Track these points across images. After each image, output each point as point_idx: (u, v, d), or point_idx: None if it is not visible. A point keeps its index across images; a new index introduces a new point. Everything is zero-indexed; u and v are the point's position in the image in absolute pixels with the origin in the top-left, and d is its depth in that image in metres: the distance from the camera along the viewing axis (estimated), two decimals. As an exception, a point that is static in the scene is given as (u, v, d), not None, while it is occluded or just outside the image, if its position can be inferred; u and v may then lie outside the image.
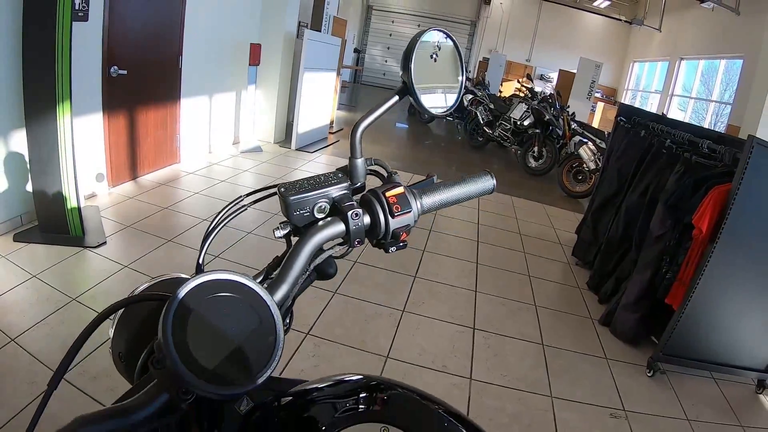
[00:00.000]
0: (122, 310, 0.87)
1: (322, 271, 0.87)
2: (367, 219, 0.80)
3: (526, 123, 9.17)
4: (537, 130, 8.97)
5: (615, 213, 4.57)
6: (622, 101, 16.57)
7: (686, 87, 14.22)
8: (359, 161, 0.86)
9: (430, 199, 0.87)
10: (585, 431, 2.77)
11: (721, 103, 12.47)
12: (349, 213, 0.77)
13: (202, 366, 0.59)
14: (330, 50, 8.18)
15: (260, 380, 0.62)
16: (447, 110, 0.94)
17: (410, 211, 0.81)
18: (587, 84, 13.33)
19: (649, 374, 3.43)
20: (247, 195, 0.91)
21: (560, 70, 15.98)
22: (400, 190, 0.83)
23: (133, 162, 5.06)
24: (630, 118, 4.90)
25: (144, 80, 4.91)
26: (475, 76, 12.43)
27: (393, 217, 0.79)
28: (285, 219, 0.79)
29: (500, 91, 13.84)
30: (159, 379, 0.62)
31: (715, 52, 12.50)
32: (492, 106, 9.99)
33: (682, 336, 3.39)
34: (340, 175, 0.85)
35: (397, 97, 0.87)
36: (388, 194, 0.81)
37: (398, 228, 0.80)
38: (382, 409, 0.86)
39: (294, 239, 0.79)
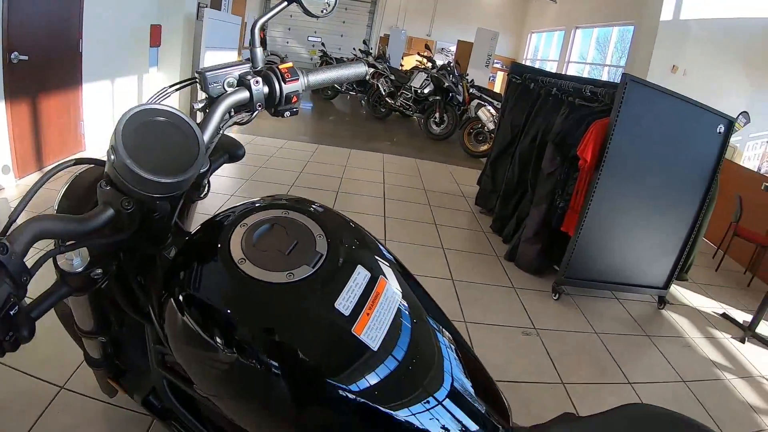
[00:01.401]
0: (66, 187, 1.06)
1: (232, 153, 1.11)
2: (266, 89, 0.99)
3: (426, 91, 9.42)
4: (437, 97, 9.26)
5: (510, 160, 4.86)
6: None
7: (582, 55, 14.94)
8: (258, 50, 1.05)
9: (314, 76, 1.08)
10: (500, 347, 3.00)
11: (613, 67, 13.19)
12: (251, 81, 0.96)
13: (144, 162, 0.75)
14: (230, 29, 8.08)
15: (188, 175, 0.78)
16: (327, 13, 1.15)
17: (298, 79, 1.02)
18: (485, 53, 13.79)
19: (555, 298, 3.75)
20: (171, 86, 1.05)
21: (458, 40, 16.36)
22: (289, 64, 1.03)
23: (38, 152, 4.86)
24: (521, 74, 5.18)
25: (46, 66, 4.71)
26: (376, 50, 12.54)
27: (285, 83, 0.99)
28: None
29: (401, 65, 14.03)
30: (105, 198, 0.78)
31: (607, 21, 13.14)
32: (393, 78, 10.18)
33: (580, 260, 3.73)
34: (244, 60, 1.03)
35: (285, 2, 1.09)
36: (280, 67, 1.01)
37: (290, 92, 1.01)
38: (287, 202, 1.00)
39: None
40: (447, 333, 1.01)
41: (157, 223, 0.88)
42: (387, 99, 10.05)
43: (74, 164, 0.93)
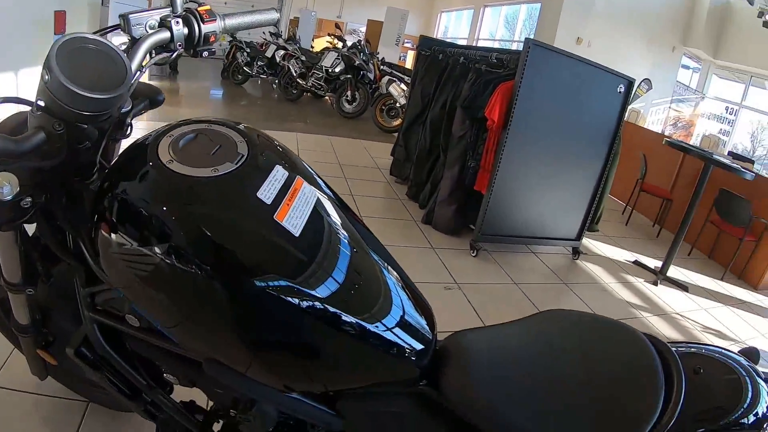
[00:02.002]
0: None
1: (153, 99, 1.14)
2: (185, 30, 1.02)
3: (337, 70, 9.35)
4: (349, 76, 9.21)
5: (422, 128, 4.89)
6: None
7: (491, 33, 15.19)
8: None
9: (230, 20, 1.12)
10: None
11: (522, 43, 13.48)
12: (172, 22, 0.99)
13: (76, 80, 0.78)
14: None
15: (118, 92, 0.83)
16: None
17: (216, 20, 1.05)
18: (395, 32, 13.84)
19: (473, 255, 3.83)
20: (95, 32, 0.99)
21: (368, 20, 16.35)
22: (207, 7, 1.05)
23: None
24: (430, 47, 5.22)
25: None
26: (286, 33, 12.31)
27: (204, 23, 1.03)
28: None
29: (312, 47, 13.86)
30: (37, 123, 0.81)
31: (515, -1, 13.49)
32: (304, 59, 10.04)
33: (495, 217, 3.83)
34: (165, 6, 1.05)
35: None
36: (199, 9, 1.04)
37: (209, 32, 1.04)
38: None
39: None
40: (372, 241, 1.08)
41: (84, 154, 0.90)
42: (298, 80, 9.91)
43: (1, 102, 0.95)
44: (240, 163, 0.90)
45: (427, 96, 4.92)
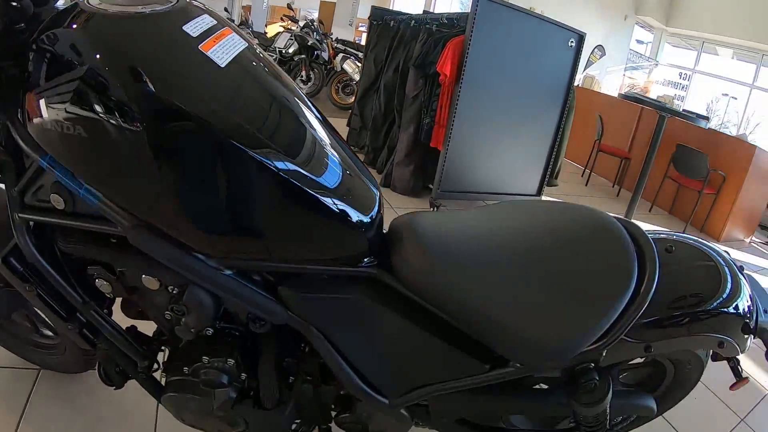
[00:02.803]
0: None
1: None
2: None
3: (291, 50, 9.22)
4: (302, 56, 9.08)
5: (376, 95, 4.83)
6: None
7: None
8: None
9: None
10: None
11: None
12: None
13: None
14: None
15: None
16: None
17: None
18: (348, 12, 13.71)
19: (433, 212, 3.73)
20: None
21: (321, 1, 16.17)
22: None
23: None
24: (382, 18, 5.16)
25: None
26: (238, 19, 12.12)
27: None
28: None
29: (265, 32, 13.65)
30: None
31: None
32: (257, 41, 9.88)
33: (453, 173, 3.80)
34: None
35: None
36: None
37: None
38: None
39: None
40: (311, 107, 1.04)
41: (19, 36, 0.85)
42: (252, 64, 9.74)
43: None
44: (168, 7, 0.87)
45: (380, 63, 4.87)
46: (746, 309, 1.19)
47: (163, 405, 1.18)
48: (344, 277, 1.01)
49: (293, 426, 1.27)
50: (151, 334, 1.22)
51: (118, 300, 1.18)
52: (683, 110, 6.21)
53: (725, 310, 1.13)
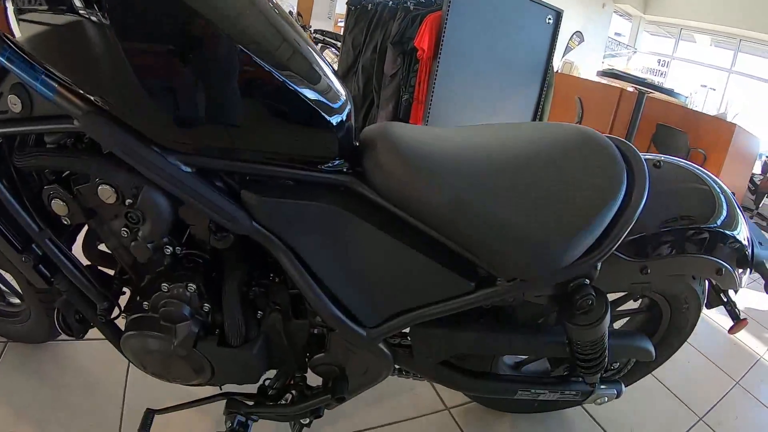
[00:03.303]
0: None
1: None
2: None
3: (269, 42, 9.17)
4: (281, 48, 9.02)
5: (354, 76, 4.75)
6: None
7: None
8: None
9: None
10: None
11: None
12: None
13: None
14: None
15: None
16: None
17: None
18: (326, 4, 13.69)
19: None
20: None
21: (299, -6, 16.15)
22: None
23: None
24: (359, 2, 5.09)
25: None
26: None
27: None
28: None
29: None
30: None
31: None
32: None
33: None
34: None
35: None
36: None
37: None
38: None
39: None
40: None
41: None
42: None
43: None
44: None
45: (358, 45, 4.79)
46: (743, 239, 1.14)
47: (123, 351, 1.11)
48: (313, 183, 0.96)
49: (266, 381, 1.23)
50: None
51: (79, 246, 1.14)
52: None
53: (723, 232, 1.08)
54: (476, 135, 1.08)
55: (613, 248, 0.95)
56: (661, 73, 11.58)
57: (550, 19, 4.02)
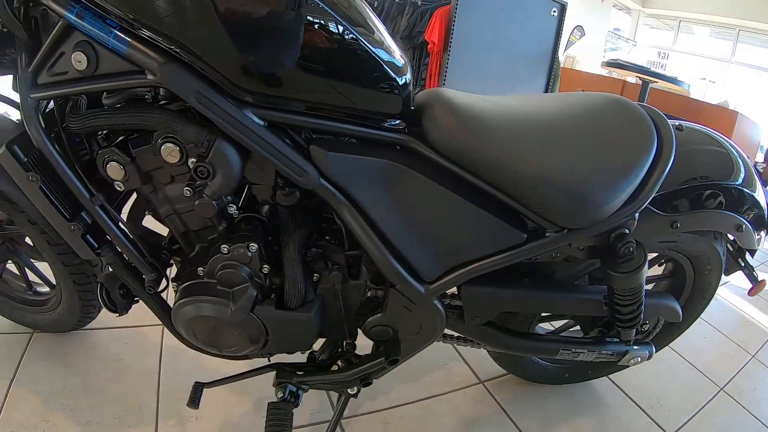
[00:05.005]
0: None
1: None
2: None
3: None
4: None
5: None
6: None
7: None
8: None
9: None
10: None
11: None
12: None
13: None
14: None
15: None
16: None
17: None
18: None
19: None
20: None
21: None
22: None
23: None
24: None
25: None
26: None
27: None
28: None
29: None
30: None
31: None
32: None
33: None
34: None
35: None
36: None
37: None
38: None
39: None
40: None
41: None
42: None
43: None
44: None
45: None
46: (761, 200, 1.22)
47: (172, 323, 1.12)
48: (373, 141, 1.00)
49: (311, 354, 1.26)
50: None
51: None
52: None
53: (742, 190, 1.16)
54: (520, 99, 1.16)
55: (649, 199, 1.04)
56: (661, 66, 11.64)
57: (554, 11, 4.10)
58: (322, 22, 0.87)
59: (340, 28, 0.88)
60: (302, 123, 0.94)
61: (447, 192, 1.00)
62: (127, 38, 0.84)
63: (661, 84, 4.47)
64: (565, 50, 9.15)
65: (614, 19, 11.73)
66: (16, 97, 0.95)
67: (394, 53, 0.98)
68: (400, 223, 1.02)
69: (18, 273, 1.61)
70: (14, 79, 1.01)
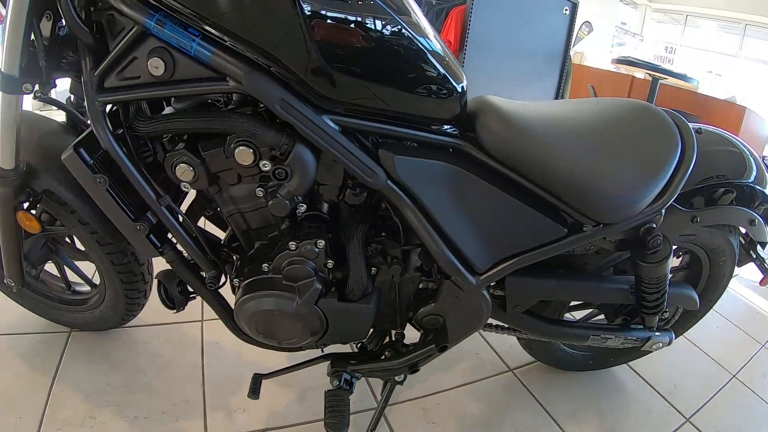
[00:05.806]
0: None
1: None
2: None
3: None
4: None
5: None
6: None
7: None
8: None
9: None
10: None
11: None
12: None
13: None
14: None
15: None
16: None
17: None
18: None
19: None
20: None
21: None
22: None
23: None
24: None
25: None
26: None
27: None
28: None
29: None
30: None
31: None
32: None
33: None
34: None
35: None
36: None
37: None
38: None
39: None
40: None
41: None
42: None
43: None
44: None
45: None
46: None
47: (230, 317, 1.20)
48: (434, 144, 1.09)
49: (366, 340, 1.34)
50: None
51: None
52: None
53: (755, 187, 1.28)
54: (555, 106, 1.29)
55: (674, 197, 1.17)
56: (669, 60, 11.64)
57: (566, 9, 4.14)
58: (398, 38, 0.95)
59: (413, 43, 0.97)
60: (371, 128, 1.02)
61: (498, 191, 1.11)
62: (210, 46, 0.89)
63: (670, 80, 4.53)
64: (573, 46, 9.15)
65: (621, 13, 11.72)
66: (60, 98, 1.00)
67: (453, 61, 1.07)
68: (456, 220, 1.12)
69: (57, 273, 1.62)
70: (73, 81, 1.07)
